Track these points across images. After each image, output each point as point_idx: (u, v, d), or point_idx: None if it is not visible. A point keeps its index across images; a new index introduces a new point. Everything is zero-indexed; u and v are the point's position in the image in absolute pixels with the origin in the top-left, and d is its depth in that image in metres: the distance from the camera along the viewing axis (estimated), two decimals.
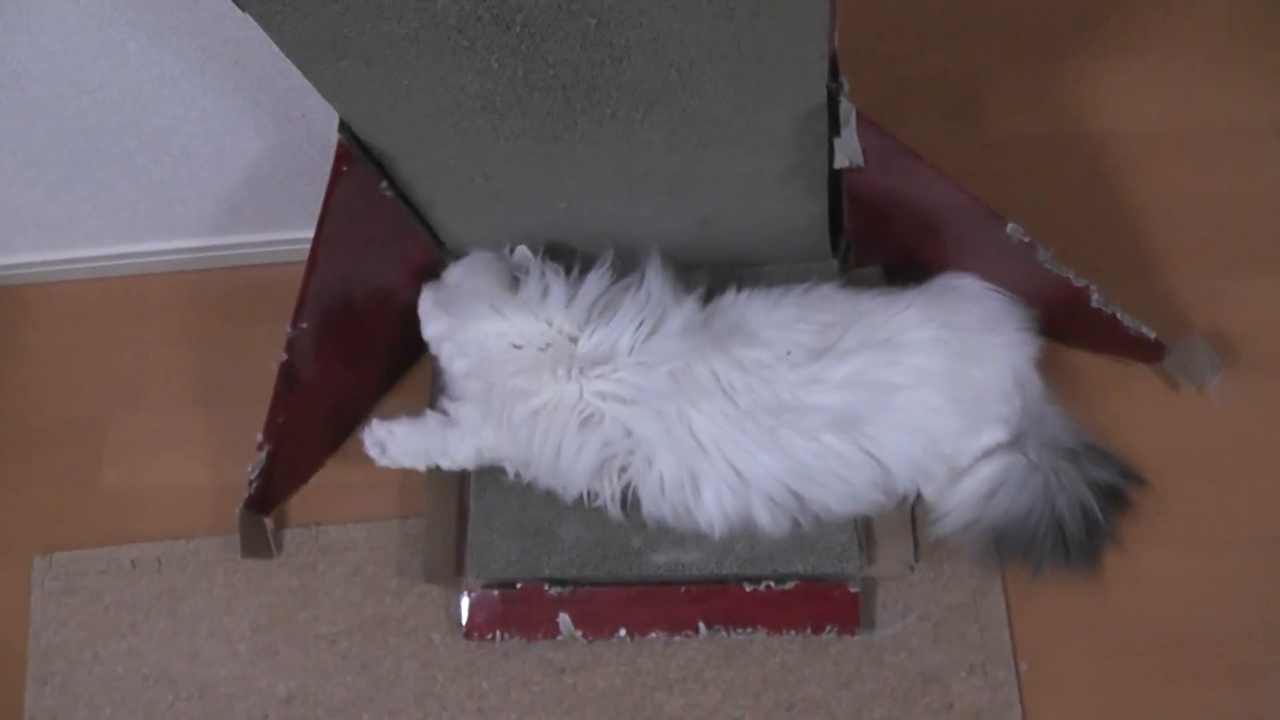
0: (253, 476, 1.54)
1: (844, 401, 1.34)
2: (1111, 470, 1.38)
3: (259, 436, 1.48)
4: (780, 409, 1.34)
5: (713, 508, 1.36)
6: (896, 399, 1.35)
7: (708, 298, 1.44)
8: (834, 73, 1.14)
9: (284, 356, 1.41)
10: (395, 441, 1.48)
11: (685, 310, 1.39)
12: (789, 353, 1.36)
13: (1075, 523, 1.36)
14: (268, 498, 1.62)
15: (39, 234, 1.70)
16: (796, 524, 1.40)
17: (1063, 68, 1.73)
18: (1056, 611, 1.49)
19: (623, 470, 1.38)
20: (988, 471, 1.38)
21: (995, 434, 1.38)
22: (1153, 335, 1.46)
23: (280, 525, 1.67)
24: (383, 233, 1.46)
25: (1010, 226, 1.30)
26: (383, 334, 1.63)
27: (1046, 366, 1.43)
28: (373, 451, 1.49)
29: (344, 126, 1.25)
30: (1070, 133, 1.70)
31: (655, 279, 1.39)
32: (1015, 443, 1.38)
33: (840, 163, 1.23)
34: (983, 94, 1.73)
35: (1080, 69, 1.73)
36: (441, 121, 1.22)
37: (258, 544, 1.62)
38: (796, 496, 1.37)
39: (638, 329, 1.35)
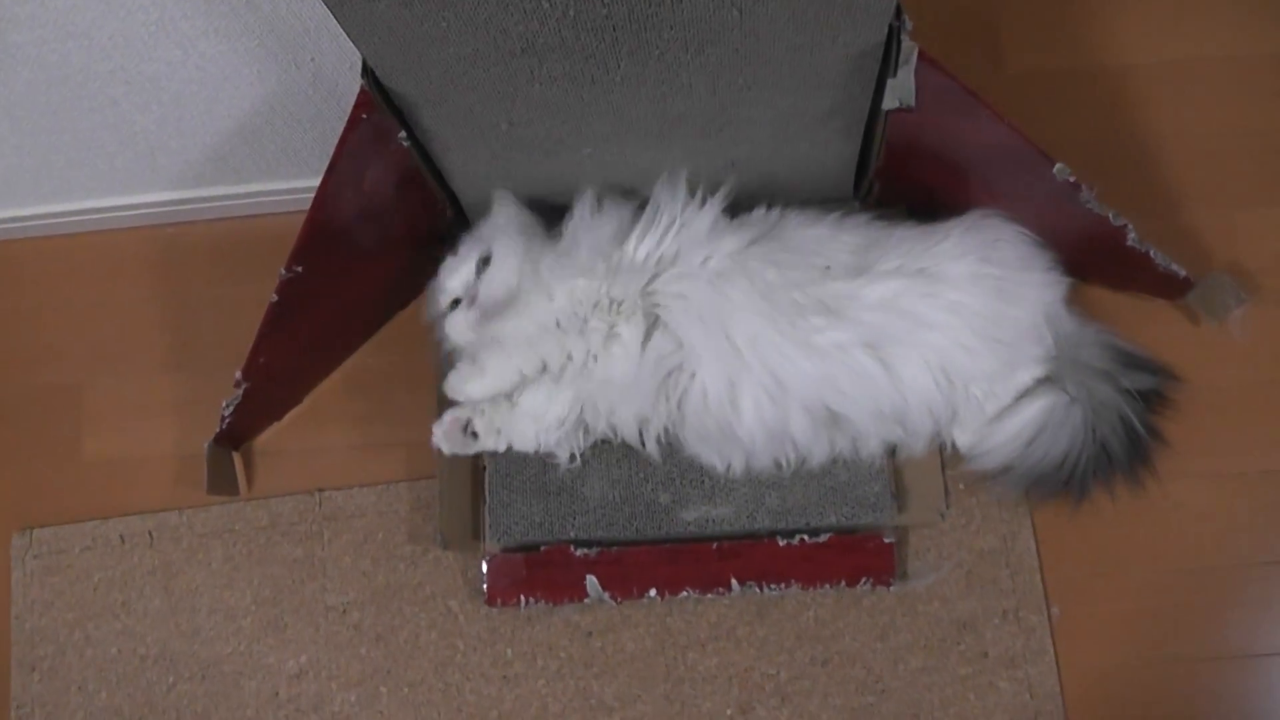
0: (226, 413, 1.54)
1: (877, 323, 1.36)
2: (1147, 375, 1.44)
3: (237, 374, 1.48)
4: (817, 312, 1.36)
5: (751, 418, 1.37)
6: (930, 336, 1.37)
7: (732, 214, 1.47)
8: (897, 10, 1.15)
9: (274, 297, 1.40)
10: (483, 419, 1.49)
11: (711, 213, 1.42)
12: (828, 267, 1.39)
13: (1119, 441, 1.42)
14: (239, 433, 1.63)
15: (5, 189, 1.65)
16: (831, 444, 1.44)
17: (1080, 2, 1.76)
18: (1086, 553, 1.54)
19: (676, 386, 1.40)
20: (1028, 415, 1.44)
21: (1031, 371, 1.43)
22: (1182, 273, 1.50)
23: (281, 492, 1.65)
24: (392, 182, 1.44)
25: (1058, 166, 1.32)
26: (379, 282, 1.63)
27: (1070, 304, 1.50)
28: (450, 442, 1.50)
29: (368, 71, 1.22)
30: (1087, 68, 1.73)
31: (680, 188, 1.44)
32: (1052, 379, 1.44)
33: (890, 103, 1.24)
34: (999, 29, 1.75)
35: (1097, 3, 1.75)
36: (475, 65, 1.20)
37: (224, 481, 1.62)
38: (830, 412, 1.39)
39: (678, 232, 1.40)
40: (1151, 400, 1.44)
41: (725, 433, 1.39)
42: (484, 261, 1.45)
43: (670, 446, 1.48)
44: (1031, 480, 1.46)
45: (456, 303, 1.47)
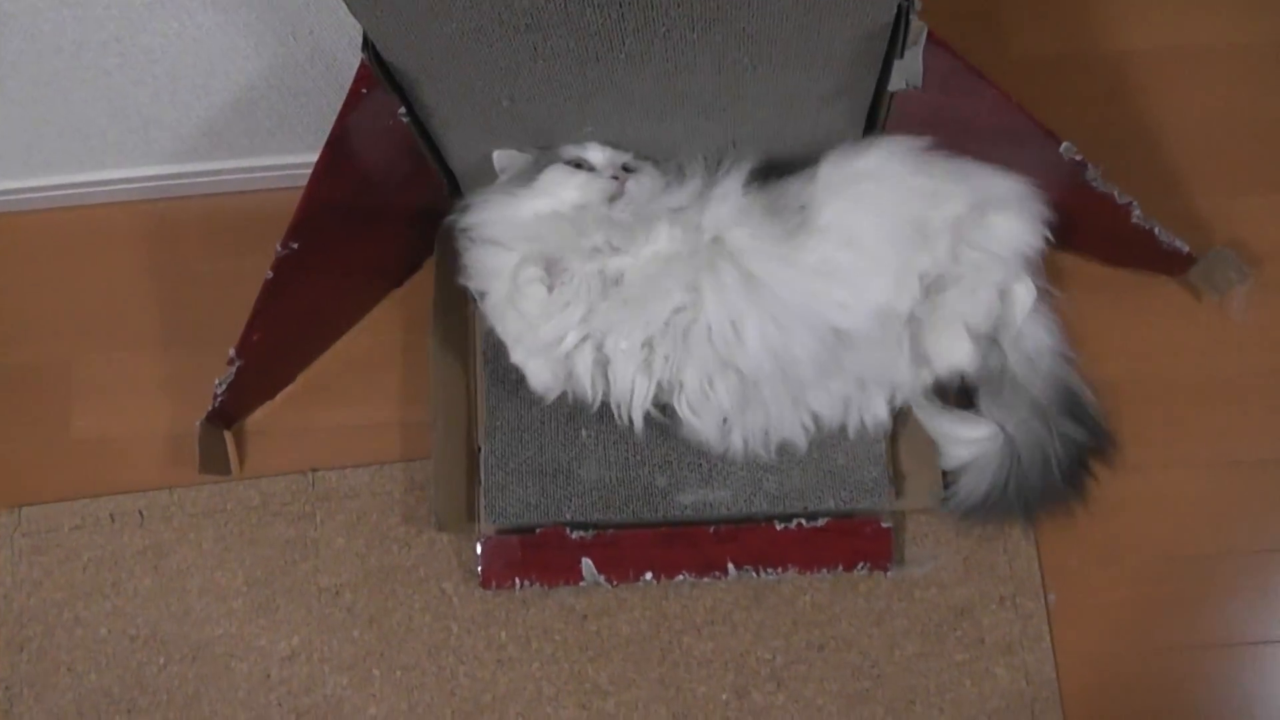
0: (219, 391, 1.54)
1: (841, 229, 1.40)
2: (1082, 428, 1.51)
3: (231, 351, 1.48)
4: (800, 235, 1.40)
5: (756, 345, 1.37)
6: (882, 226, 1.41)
7: None
8: None
9: (269, 275, 1.41)
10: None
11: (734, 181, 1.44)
12: (803, 206, 1.42)
13: (1039, 478, 1.51)
14: (231, 412, 1.63)
15: None
16: (839, 369, 1.43)
17: None
18: (1084, 539, 1.56)
19: (682, 319, 1.40)
20: (961, 454, 1.54)
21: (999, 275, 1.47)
22: (1185, 248, 1.53)
23: (273, 472, 1.66)
24: (390, 158, 1.45)
25: (1065, 145, 1.35)
26: (374, 259, 1.64)
27: (1065, 280, 1.56)
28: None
29: (368, 45, 1.22)
30: (1089, 52, 1.75)
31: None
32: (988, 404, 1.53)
33: (896, 85, 1.26)
34: (1001, 13, 1.77)
35: None
36: (478, 40, 1.20)
37: (216, 460, 1.62)
38: (835, 333, 1.40)
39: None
40: (1078, 453, 1.50)
41: (726, 362, 1.40)
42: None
43: (664, 429, 1.50)
44: (963, 511, 1.54)
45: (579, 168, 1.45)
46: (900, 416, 1.54)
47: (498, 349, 1.50)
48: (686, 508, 1.54)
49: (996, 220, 1.43)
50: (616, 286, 1.39)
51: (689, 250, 1.39)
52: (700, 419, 1.44)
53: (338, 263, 1.54)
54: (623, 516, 1.54)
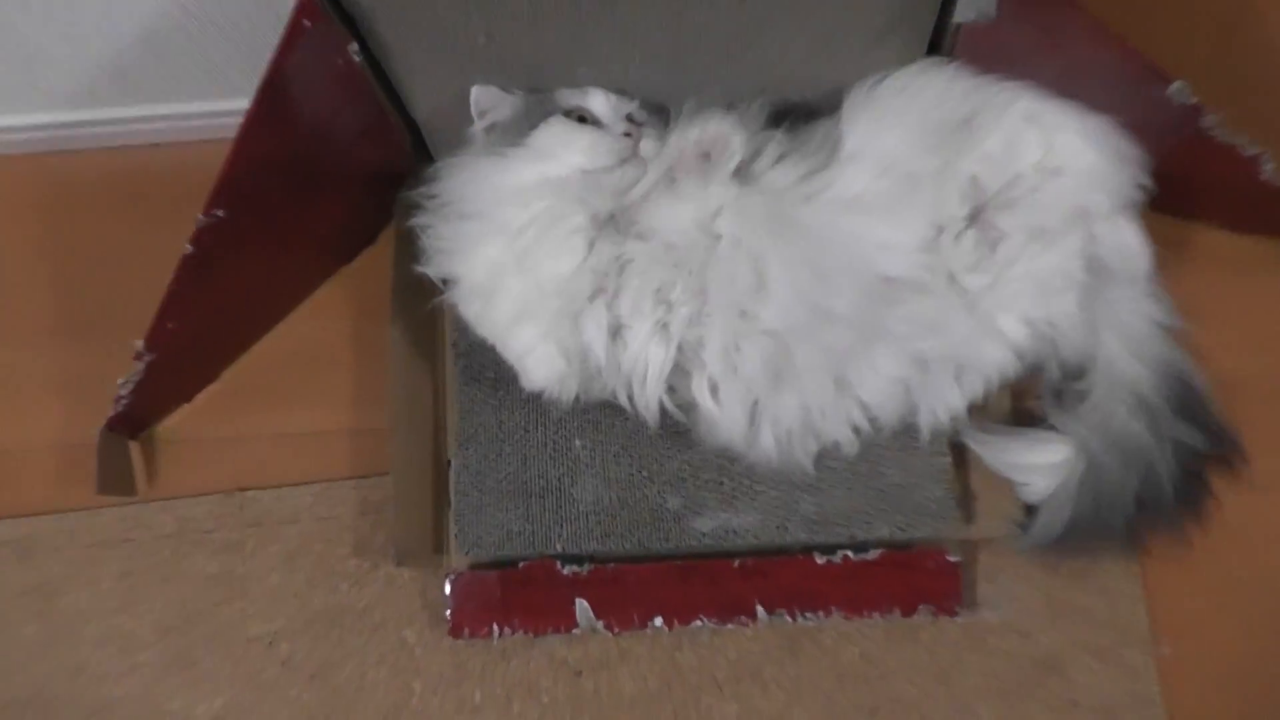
0: (123, 392, 1.58)
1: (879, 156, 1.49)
2: (1201, 433, 1.53)
3: (138, 344, 1.52)
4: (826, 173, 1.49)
5: (787, 292, 1.44)
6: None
7: None
8: None
9: (189, 249, 1.45)
10: None
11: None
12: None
13: (1142, 493, 1.53)
14: (139, 417, 1.68)
15: None
16: (889, 335, 1.48)
17: None
18: (1201, 576, 1.60)
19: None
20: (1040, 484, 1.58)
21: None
22: None
23: (192, 491, 1.72)
24: (340, 108, 1.52)
25: (1175, 85, 1.39)
26: (319, 230, 1.71)
27: (1174, 252, 1.57)
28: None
29: None
30: None
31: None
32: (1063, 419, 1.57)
33: (965, 14, 1.33)
34: None
35: None
36: None
37: (118, 477, 1.66)
38: (882, 281, 1.46)
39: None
40: (1193, 464, 1.53)
41: (752, 319, 1.46)
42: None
43: (678, 437, 1.57)
44: (1043, 547, 1.59)
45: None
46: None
47: (472, 338, 1.57)
48: (705, 536, 1.59)
49: (1065, 147, 1.47)
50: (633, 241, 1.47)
51: (709, 211, 1.47)
52: (724, 408, 1.49)
53: (274, 234, 1.58)
54: (626, 547, 1.59)
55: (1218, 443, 1.54)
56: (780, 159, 1.49)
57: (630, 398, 1.51)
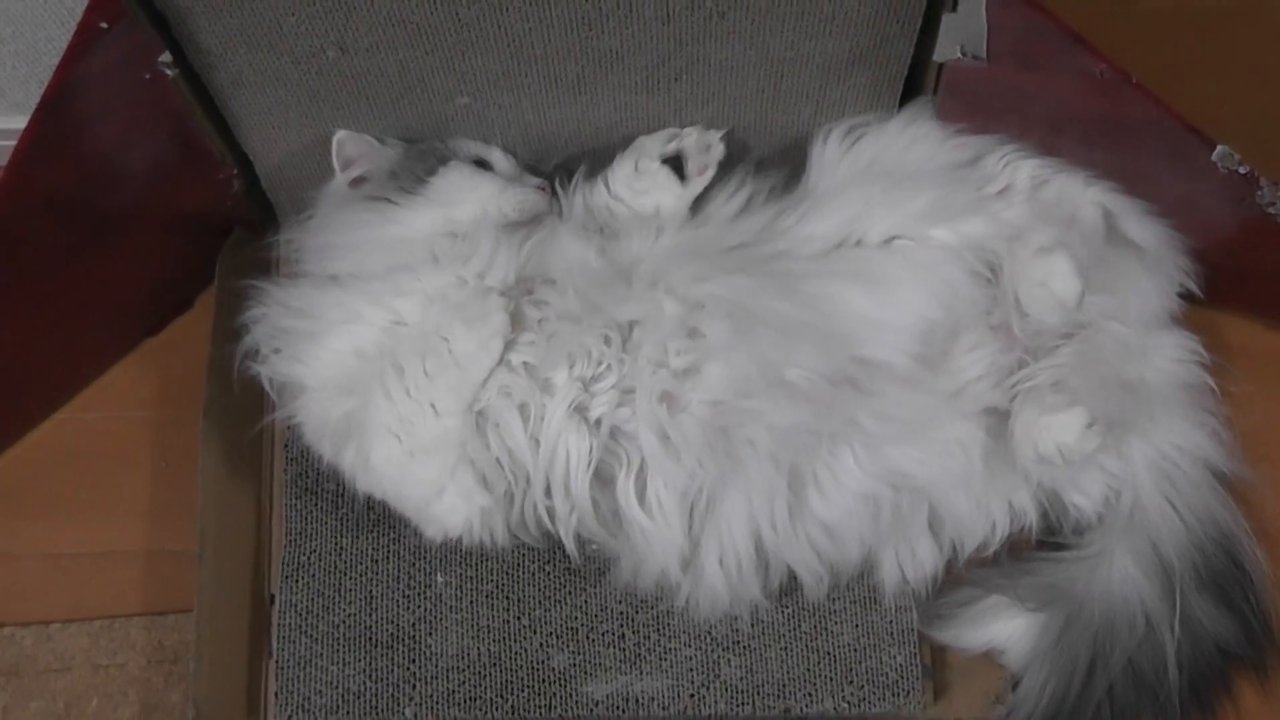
0: None
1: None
2: (1231, 618, 1.40)
3: None
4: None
5: (726, 341, 1.31)
6: None
7: None
8: None
9: None
10: None
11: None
12: None
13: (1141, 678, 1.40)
14: None
15: None
16: (854, 428, 1.35)
17: None
18: None
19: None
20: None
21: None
22: None
23: None
24: (144, 135, 1.38)
25: (1219, 150, 1.29)
26: (113, 290, 1.56)
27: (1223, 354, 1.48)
28: None
29: None
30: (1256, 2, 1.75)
31: None
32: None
33: (947, 52, 1.23)
34: None
35: None
36: None
37: None
38: (856, 364, 1.34)
39: None
40: (1213, 655, 1.40)
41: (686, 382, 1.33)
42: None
43: (569, 573, 1.44)
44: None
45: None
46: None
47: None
48: (598, 704, 1.44)
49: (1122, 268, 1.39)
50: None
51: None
52: (656, 516, 1.33)
53: (52, 293, 1.46)
54: (497, 716, 1.44)
55: (1252, 643, 1.42)
56: (741, 199, 1.39)
57: (551, 515, 1.36)
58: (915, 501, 1.40)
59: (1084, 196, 1.39)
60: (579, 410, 1.34)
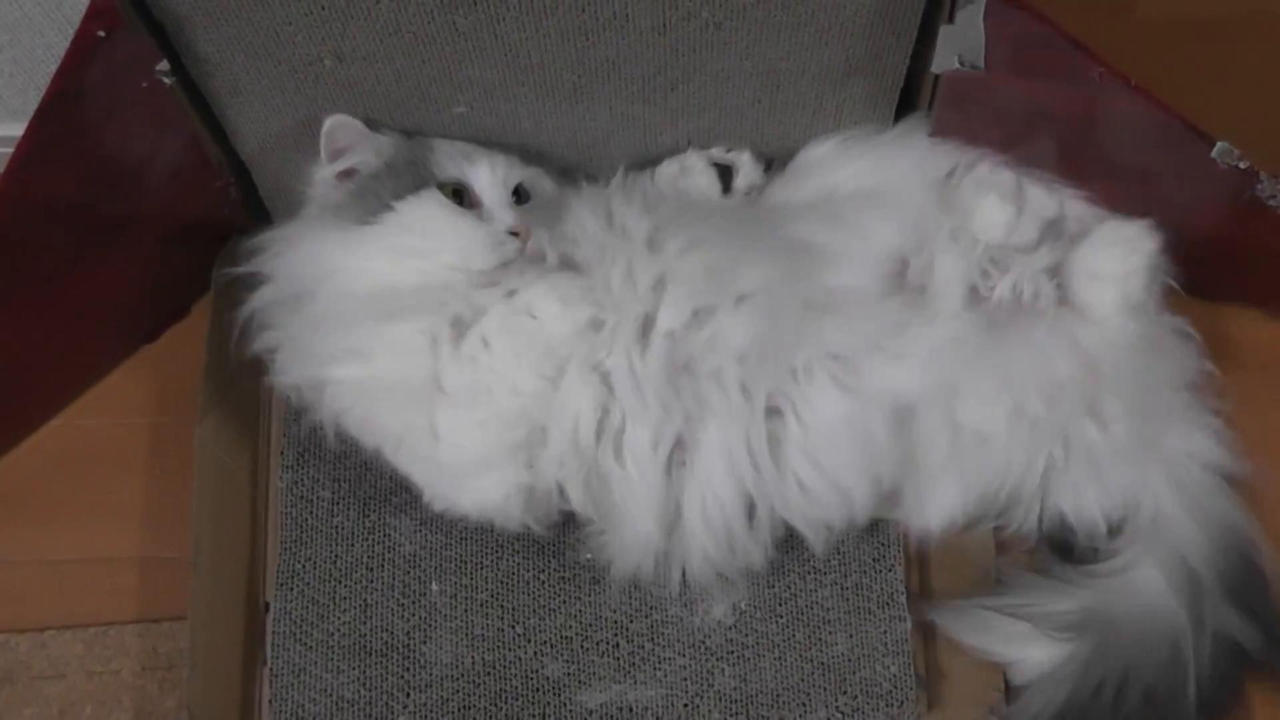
0: None
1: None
2: (1250, 623, 1.38)
3: None
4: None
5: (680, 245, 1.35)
6: None
7: None
8: None
9: None
10: None
11: None
12: None
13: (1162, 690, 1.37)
14: None
15: None
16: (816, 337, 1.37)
17: None
18: None
19: None
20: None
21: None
22: None
23: None
24: (142, 142, 1.39)
25: (1219, 146, 1.31)
26: (111, 297, 1.56)
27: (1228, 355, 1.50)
28: None
29: None
30: (1252, 10, 1.73)
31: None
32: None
33: (945, 62, 1.24)
34: None
35: None
36: None
37: None
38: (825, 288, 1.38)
39: None
40: (1233, 662, 1.38)
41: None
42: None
43: (564, 581, 1.42)
44: None
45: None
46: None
47: (305, 445, 1.46)
48: (592, 713, 1.44)
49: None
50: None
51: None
52: (629, 467, 1.32)
53: (49, 299, 1.47)
54: None
55: (1271, 645, 1.40)
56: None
57: (562, 489, 1.35)
58: (909, 421, 1.36)
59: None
60: (585, 360, 1.33)
